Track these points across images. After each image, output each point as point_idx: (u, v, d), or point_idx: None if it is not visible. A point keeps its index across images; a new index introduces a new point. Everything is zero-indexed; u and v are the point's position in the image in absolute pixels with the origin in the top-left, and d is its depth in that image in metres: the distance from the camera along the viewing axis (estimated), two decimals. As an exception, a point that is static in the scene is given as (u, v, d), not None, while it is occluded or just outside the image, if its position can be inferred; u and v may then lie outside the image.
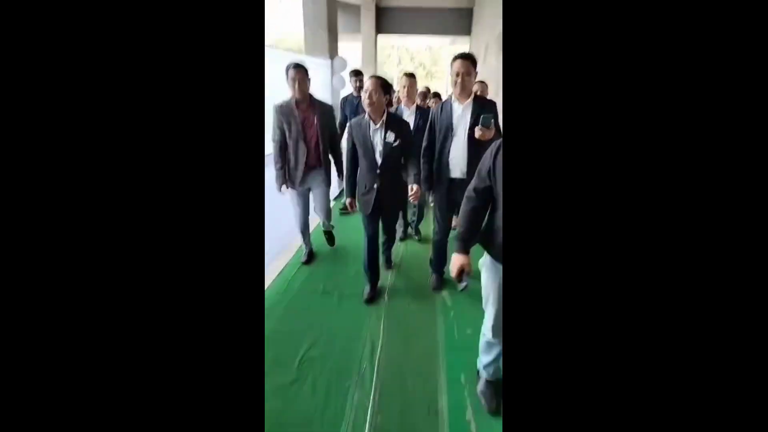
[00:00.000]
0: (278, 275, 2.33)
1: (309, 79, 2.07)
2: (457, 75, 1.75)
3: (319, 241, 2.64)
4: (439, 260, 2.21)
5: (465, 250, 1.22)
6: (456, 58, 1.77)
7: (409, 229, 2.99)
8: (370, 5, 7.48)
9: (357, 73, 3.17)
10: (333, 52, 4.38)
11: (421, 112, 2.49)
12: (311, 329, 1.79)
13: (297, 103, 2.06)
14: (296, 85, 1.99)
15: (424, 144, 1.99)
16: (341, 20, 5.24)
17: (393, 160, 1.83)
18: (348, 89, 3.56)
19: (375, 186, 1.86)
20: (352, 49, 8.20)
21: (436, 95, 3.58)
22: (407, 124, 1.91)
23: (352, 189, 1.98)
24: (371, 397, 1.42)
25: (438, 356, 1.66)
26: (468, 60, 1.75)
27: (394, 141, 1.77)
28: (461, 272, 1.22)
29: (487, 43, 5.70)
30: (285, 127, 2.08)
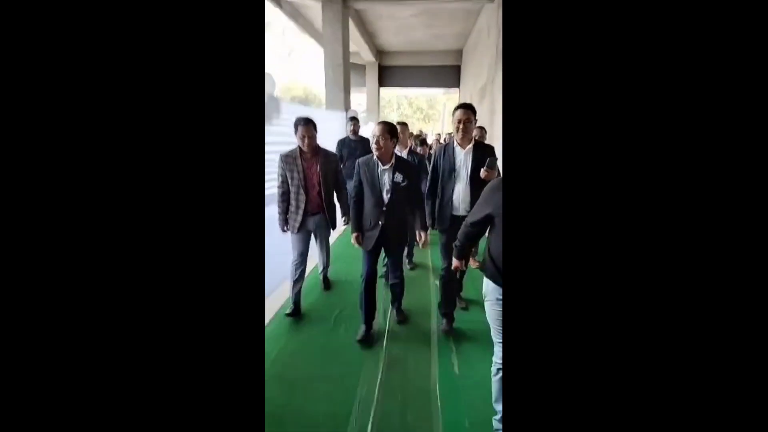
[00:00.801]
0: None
1: (316, 132, 2.12)
2: (459, 122, 1.88)
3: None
4: (449, 302, 2.13)
5: (461, 257, 1.51)
6: (458, 107, 1.92)
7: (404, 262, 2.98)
8: (373, 65, 8.95)
9: (352, 119, 3.42)
10: (347, 106, 5.52)
11: (414, 155, 2.66)
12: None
13: (301, 152, 2.10)
14: (305, 141, 2.04)
15: (427, 184, 2.12)
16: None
17: (399, 199, 1.89)
18: (362, 133, 4.37)
19: (380, 222, 1.89)
20: (358, 100, 9.56)
21: (423, 142, 4.35)
22: (414, 166, 2.06)
23: (358, 224, 1.98)
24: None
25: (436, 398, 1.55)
26: (469, 109, 1.90)
27: (403, 181, 1.86)
28: (457, 269, 1.57)
29: (471, 93, 6.92)
30: (288, 175, 2.11)
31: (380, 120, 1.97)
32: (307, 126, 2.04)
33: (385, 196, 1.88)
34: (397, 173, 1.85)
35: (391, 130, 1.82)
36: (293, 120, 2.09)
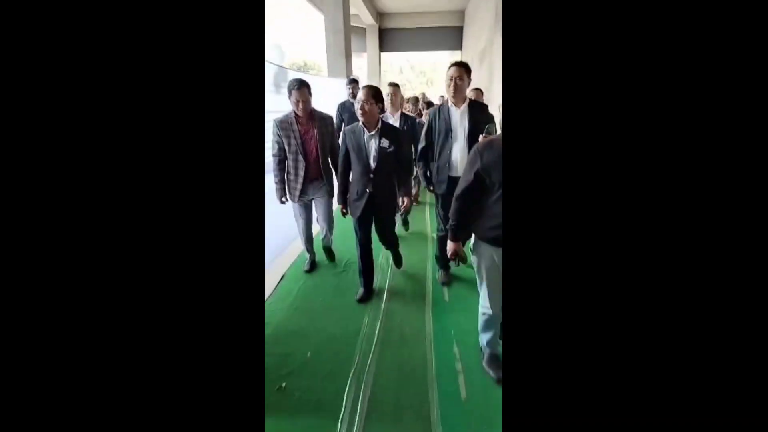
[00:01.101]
0: (282, 281, 2.34)
1: (311, 95, 2.04)
2: (451, 80, 1.86)
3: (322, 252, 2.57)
4: (445, 256, 2.20)
5: (457, 239, 1.45)
6: (451, 65, 1.90)
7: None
8: (373, 28, 8.78)
9: (352, 81, 3.25)
10: (349, 73, 5.61)
11: (406, 118, 2.61)
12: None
13: (297, 117, 2.03)
14: (300, 105, 1.98)
15: (421, 145, 2.09)
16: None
17: (386, 165, 1.86)
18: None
19: (368, 190, 1.88)
20: (359, 65, 9.48)
21: (429, 104, 4.43)
22: (401, 131, 2.02)
23: (344, 195, 1.99)
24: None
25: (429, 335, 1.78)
26: (461, 67, 1.86)
27: (389, 147, 1.84)
28: (455, 255, 1.48)
29: (472, 56, 6.89)
30: (284, 141, 2.04)
31: (367, 84, 1.88)
32: (300, 89, 1.95)
33: (372, 163, 1.85)
34: (383, 139, 1.82)
35: (375, 94, 1.77)
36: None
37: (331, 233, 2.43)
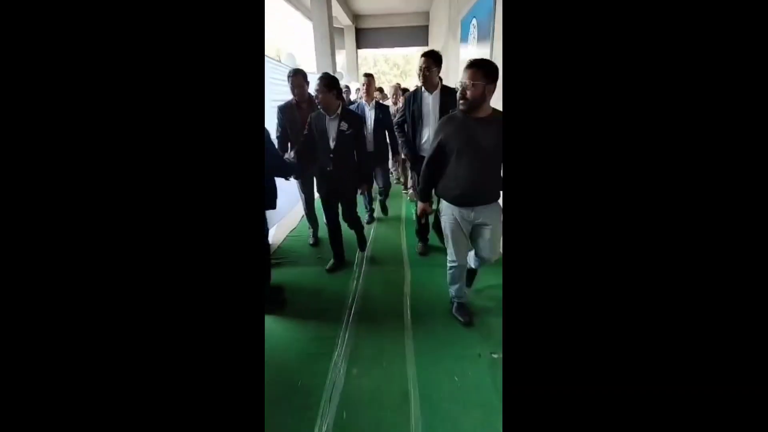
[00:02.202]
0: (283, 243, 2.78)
1: (308, 83, 2.28)
2: (420, 69, 2.08)
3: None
4: (422, 228, 2.57)
5: (425, 200, 1.71)
6: (421, 56, 2.12)
7: (375, 211, 3.30)
8: (351, 28, 9.94)
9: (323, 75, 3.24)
10: (334, 68, 6.78)
11: (379, 107, 2.82)
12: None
13: (298, 103, 2.25)
14: (296, 90, 2.24)
15: (398, 118, 2.37)
16: (335, 45, 7.63)
17: (345, 147, 2.06)
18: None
19: (328, 168, 2.07)
20: (340, 61, 10.61)
21: (405, 90, 4.36)
22: (360, 117, 2.19)
23: (303, 172, 2.21)
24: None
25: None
26: (430, 57, 2.08)
27: (347, 129, 2.03)
28: (424, 213, 1.77)
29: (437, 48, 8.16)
30: (287, 125, 2.28)
31: (322, 74, 2.06)
32: (296, 76, 2.22)
33: (332, 144, 2.04)
34: (342, 122, 2.03)
35: (328, 84, 1.95)
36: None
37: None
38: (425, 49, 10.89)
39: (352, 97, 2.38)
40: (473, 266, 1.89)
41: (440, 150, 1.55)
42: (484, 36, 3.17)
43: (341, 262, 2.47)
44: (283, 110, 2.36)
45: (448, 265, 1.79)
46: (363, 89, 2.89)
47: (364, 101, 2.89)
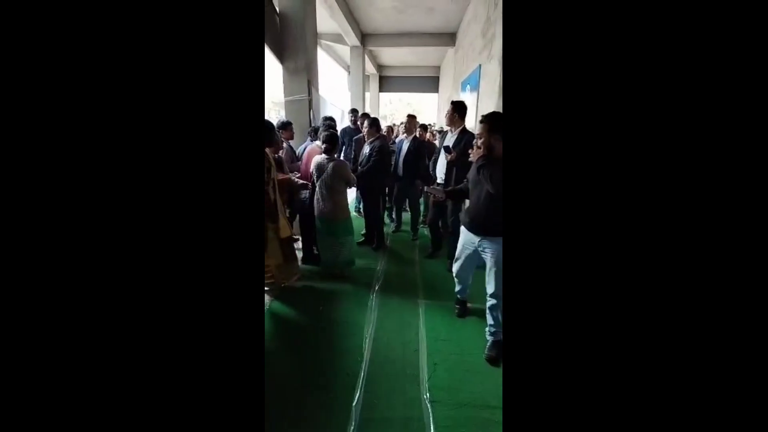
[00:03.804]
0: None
1: (359, 116, 4.02)
2: (447, 113, 2.78)
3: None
4: (432, 221, 3.23)
5: (446, 196, 2.13)
6: (451, 103, 2.80)
7: (387, 238, 3.72)
8: (375, 76, 12.19)
9: (352, 111, 4.47)
10: (363, 107, 8.73)
11: (415, 140, 3.45)
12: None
13: (352, 129, 3.85)
14: (353, 121, 4.07)
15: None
16: (364, 90, 9.67)
17: (367, 167, 2.99)
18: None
19: (358, 172, 3.01)
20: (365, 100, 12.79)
21: (424, 128, 4.80)
22: (382, 146, 3.06)
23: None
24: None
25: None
26: (453, 105, 2.76)
27: (368, 152, 3.01)
28: (436, 199, 2.36)
29: (445, 98, 10.18)
30: (346, 140, 3.85)
31: (367, 116, 3.46)
32: (353, 112, 4.32)
33: (360, 159, 3.06)
34: (368, 147, 3.02)
35: (372, 123, 3.12)
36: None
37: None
38: (434, 95, 13.06)
39: (365, 122, 3.43)
40: (488, 304, 1.96)
41: (467, 182, 1.95)
42: (473, 91, 4.81)
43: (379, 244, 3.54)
44: (343, 131, 4.02)
45: (454, 269, 2.19)
46: (402, 127, 3.82)
47: (403, 136, 3.66)
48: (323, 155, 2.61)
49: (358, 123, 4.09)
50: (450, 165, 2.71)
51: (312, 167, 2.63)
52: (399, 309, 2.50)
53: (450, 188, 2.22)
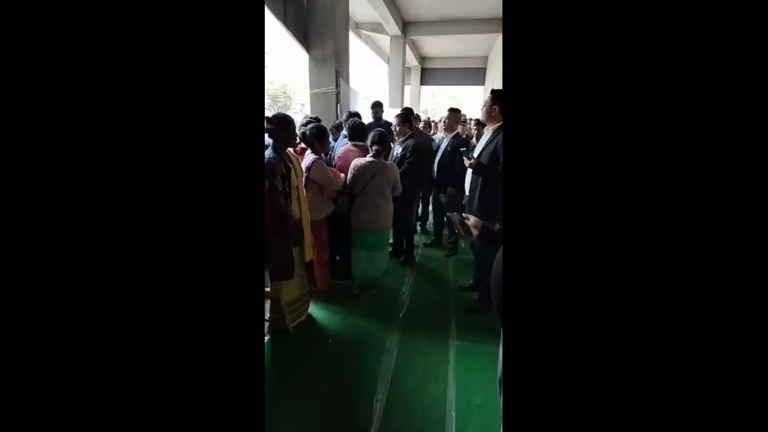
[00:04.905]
0: None
1: (383, 111, 3.35)
2: (484, 106, 2.07)
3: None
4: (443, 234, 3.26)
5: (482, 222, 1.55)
6: (491, 92, 2.08)
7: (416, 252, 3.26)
8: (417, 68, 11.55)
9: (376, 105, 3.63)
10: (402, 102, 8.22)
11: (456, 138, 2.92)
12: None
13: (376, 124, 3.16)
14: (374, 115, 3.38)
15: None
16: (404, 83, 9.14)
17: (401, 171, 2.52)
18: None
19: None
20: (404, 93, 12.24)
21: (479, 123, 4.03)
22: (417, 145, 2.66)
23: None
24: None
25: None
26: (493, 96, 2.04)
27: (401, 152, 2.65)
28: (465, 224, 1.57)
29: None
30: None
31: (400, 112, 2.78)
32: (376, 107, 3.45)
33: (390, 161, 2.58)
34: (400, 147, 2.69)
35: (403, 119, 2.71)
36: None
37: None
38: (480, 88, 12.13)
39: (394, 120, 2.90)
40: None
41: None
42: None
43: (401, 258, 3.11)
44: (369, 125, 3.13)
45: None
46: (442, 123, 3.24)
47: (443, 133, 3.18)
48: (367, 158, 2.27)
49: (391, 121, 3.27)
50: (476, 173, 2.09)
51: (352, 171, 2.28)
52: (424, 352, 2.06)
53: (482, 225, 1.31)
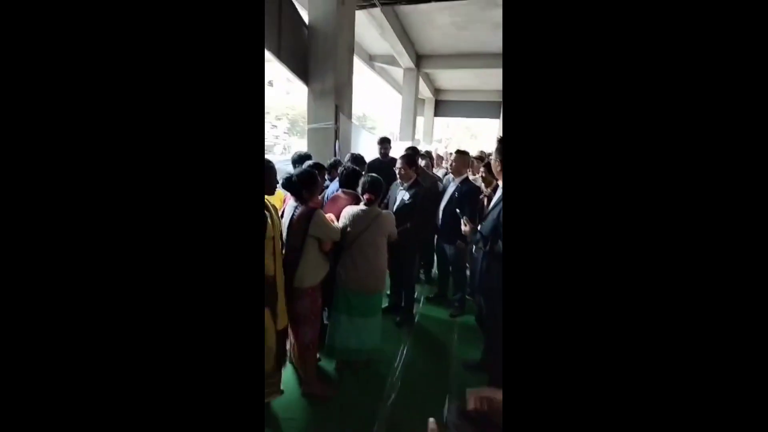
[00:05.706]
0: None
1: (390, 147, 3.10)
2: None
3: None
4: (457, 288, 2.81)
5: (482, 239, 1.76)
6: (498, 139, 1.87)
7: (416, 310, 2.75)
8: (431, 100, 11.43)
9: (383, 141, 3.23)
10: (413, 135, 8.00)
11: (464, 182, 2.56)
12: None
13: (382, 161, 2.98)
14: (381, 150, 3.07)
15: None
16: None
17: (403, 214, 2.25)
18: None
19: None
20: (417, 125, 12.11)
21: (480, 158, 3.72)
22: (426, 190, 2.41)
23: None
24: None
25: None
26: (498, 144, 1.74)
27: (408, 199, 2.32)
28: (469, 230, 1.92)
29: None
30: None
31: (404, 153, 2.56)
32: (383, 144, 3.10)
33: (393, 209, 2.36)
34: (407, 193, 2.36)
35: (409, 162, 2.42)
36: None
37: None
38: (496, 120, 11.93)
39: (398, 163, 2.53)
40: None
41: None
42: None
43: (400, 315, 2.68)
44: (371, 164, 3.01)
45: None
46: (450, 166, 2.81)
47: (450, 176, 2.86)
48: (360, 206, 1.94)
49: (396, 160, 2.64)
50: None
51: (343, 221, 1.93)
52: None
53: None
